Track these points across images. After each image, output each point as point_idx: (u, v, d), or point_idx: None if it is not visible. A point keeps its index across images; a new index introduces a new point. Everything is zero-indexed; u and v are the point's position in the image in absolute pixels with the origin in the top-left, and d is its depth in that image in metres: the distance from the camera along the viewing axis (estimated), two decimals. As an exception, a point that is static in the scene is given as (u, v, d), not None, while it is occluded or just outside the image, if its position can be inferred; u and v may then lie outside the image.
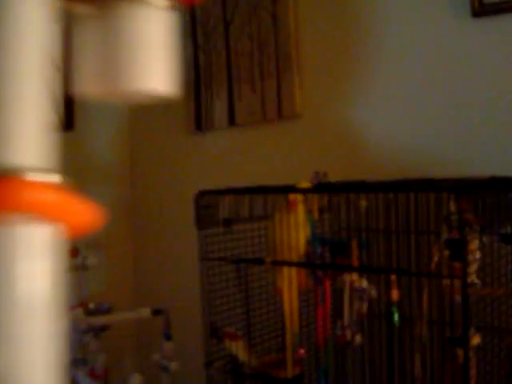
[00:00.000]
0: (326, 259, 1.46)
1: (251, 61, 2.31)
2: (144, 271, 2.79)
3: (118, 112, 2.91)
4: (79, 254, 2.05)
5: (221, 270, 1.55)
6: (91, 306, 2.44)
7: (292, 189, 1.44)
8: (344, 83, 2.03)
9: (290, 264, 1.44)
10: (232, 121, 2.38)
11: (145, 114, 2.87)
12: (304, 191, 1.45)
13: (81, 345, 2.04)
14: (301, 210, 1.45)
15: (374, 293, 1.51)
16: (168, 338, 2.18)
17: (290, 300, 1.48)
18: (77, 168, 2.79)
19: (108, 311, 2.42)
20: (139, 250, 2.84)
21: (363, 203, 1.55)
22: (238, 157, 2.39)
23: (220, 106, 2.43)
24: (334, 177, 1.72)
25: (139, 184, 2.86)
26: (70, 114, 2.73)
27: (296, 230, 1.43)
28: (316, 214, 1.47)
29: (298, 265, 1.46)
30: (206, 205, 1.54)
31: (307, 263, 1.47)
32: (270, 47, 2.23)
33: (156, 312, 2.18)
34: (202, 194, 1.50)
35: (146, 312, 2.17)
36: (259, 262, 1.48)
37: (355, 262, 1.56)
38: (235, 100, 2.37)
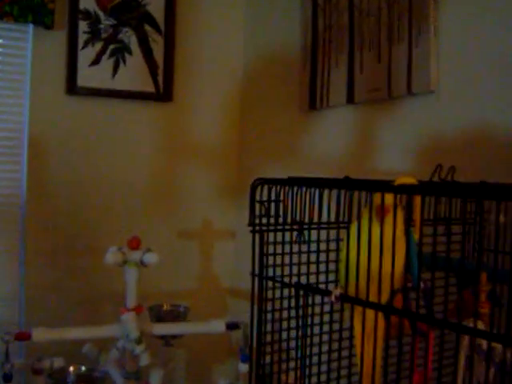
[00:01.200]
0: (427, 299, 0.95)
1: (378, 22, 1.81)
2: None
3: (228, 84, 2.55)
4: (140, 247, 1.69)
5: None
6: (166, 307, 2.10)
7: (386, 186, 0.94)
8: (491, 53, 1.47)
9: (371, 306, 0.95)
10: (351, 98, 1.90)
11: (257, 86, 2.47)
12: (408, 190, 0.94)
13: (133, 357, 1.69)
14: (399, 218, 0.96)
15: (510, 355, 0.99)
16: (245, 359, 1.77)
17: (368, 352, 1.00)
18: (180, 144, 2.47)
19: (183, 315, 2.06)
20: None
21: (502, 219, 1.03)
22: (354, 142, 1.91)
23: (338, 78, 1.96)
24: (463, 175, 1.21)
25: (246, 166, 2.47)
26: (169, 83, 2.41)
27: (388, 247, 0.94)
28: (418, 227, 0.97)
29: (386, 310, 0.96)
30: (269, 200, 1.10)
31: (403, 310, 0.96)
32: (402, 5, 1.72)
33: (231, 326, 1.77)
34: (259, 184, 1.06)
35: (219, 325, 1.77)
36: (323, 292, 1.01)
37: (484, 305, 1.05)
38: (356, 72, 1.89)
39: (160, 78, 2.40)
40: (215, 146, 2.51)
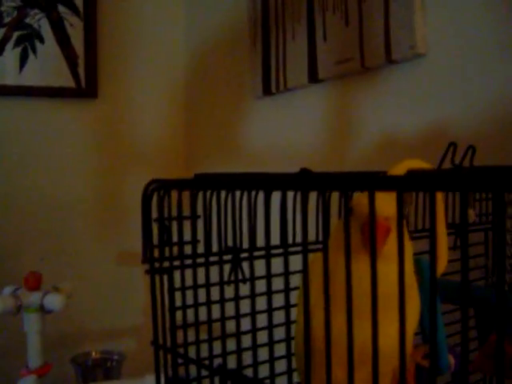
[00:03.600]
0: None
1: (343, -29, 1.39)
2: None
3: (168, 74, 2.10)
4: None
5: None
6: (95, 355, 1.64)
7: (380, 180, 0.46)
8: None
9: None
10: (314, 75, 1.47)
11: (203, 73, 2.03)
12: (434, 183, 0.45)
13: None
14: (408, 246, 0.51)
15: None
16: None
17: None
18: (112, 147, 2.02)
19: (117, 367, 1.60)
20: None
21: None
22: (323, 129, 1.48)
23: (296, 53, 1.53)
24: (485, 157, 0.79)
25: (195, 167, 2.02)
26: (92, 77, 1.96)
27: (387, 303, 0.46)
28: (444, 250, 0.53)
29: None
30: (178, 217, 0.65)
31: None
32: None
33: None
34: (156, 188, 0.61)
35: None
36: None
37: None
38: (318, 41, 1.46)
39: (81, 70, 1.94)
40: (157, 146, 2.06)
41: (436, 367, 0.54)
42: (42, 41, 1.89)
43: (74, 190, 1.94)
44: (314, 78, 1.47)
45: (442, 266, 0.53)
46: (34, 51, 1.88)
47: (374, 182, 0.39)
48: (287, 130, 1.60)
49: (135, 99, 2.03)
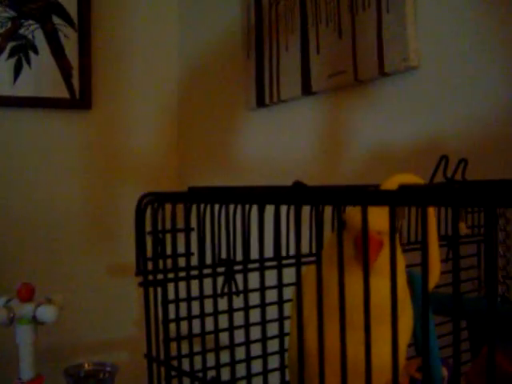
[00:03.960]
0: None
1: (336, -15, 1.40)
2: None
3: (161, 86, 2.11)
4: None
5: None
6: (87, 366, 1.63)
7: (372, 194, 0.46)
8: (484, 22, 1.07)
9: None
10: (307, 87, 1.48)
11: (196, 85, 2.04)
12: (426, 197, 0.46)
13: None
14: (400, 260, 0.51)
15: None
16: None
17: None
18: (105, 160, 2.02)
19: (110, 379, 1.59)
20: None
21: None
22: (316, 142, 1.49)
23: (289, 65, 1.54)
24: (472, 172, 0.80)
25: (187, 180, 2.02)
26: (86, 88, 1.96)
27: (380, 317, 0.47)
28: (435, 263, 0.53)
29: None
30: (171, 230, 0.66)
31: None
32: (367, -42, 1.31)
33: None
34: (150, 202, 0.61)
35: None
36: None
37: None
38: (311, 53, 1.47)
39: (75, 82, 1.95)
40: (149, 158, 2.06)
41: (430, 380, 0.54)
42: (36, 52, 1.90)
43: (67, 202, 1.93)
44: (307, 90, 1.48)
45: (434, 279, 0.53)
46: (28, 62, 1.88)
47: (367, 196, 0.40)
48: (280, 141, 1.61)
49: (129, 111, 2.04)
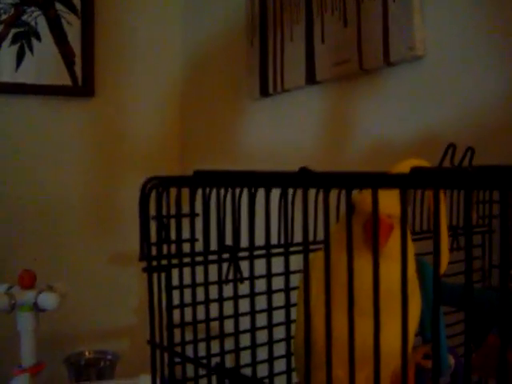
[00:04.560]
0: None
1: (342, -27, 1.38)
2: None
3: (165, 74, 2.10)
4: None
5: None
6: (88, 354, 1.62)
7: (383, 178, 0.44)
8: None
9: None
10: (311, 76, 1.47)
11: (199, 73, 2.03)
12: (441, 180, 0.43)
13: None
14: (411, 245, 0.50)
15: None
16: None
17: None
18: (108, 147, 2.01)
19: (110, 367, 1.59)
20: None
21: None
22: (321, 131, 1.48)
23: (294, 54, 1.53)
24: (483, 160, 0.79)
25: (190, 169, 2.01)
26: (89, 75, 1.95)
27: (390, 301, 0.46)
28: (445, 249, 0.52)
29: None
30: (177, 215, 0.65)
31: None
32: None
33: None
34: (155, 186, 0.61)
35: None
36: None
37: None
38: (316, 42, 1.46)
39: (78, 69, 1.94)
40: (152, 146, 2.05)
41: (438, 368, 0.53)
42: (38, 38, 1.88)
43: (69, 189, 1.93)
44: (311, 79, 1.47)
45: (442, 267, 0.53)
46: (31, 49, 1.87)
47: (378, 179, 0.39)
48: (284, 131, 1.60)
49: (132, 98, 2.03)
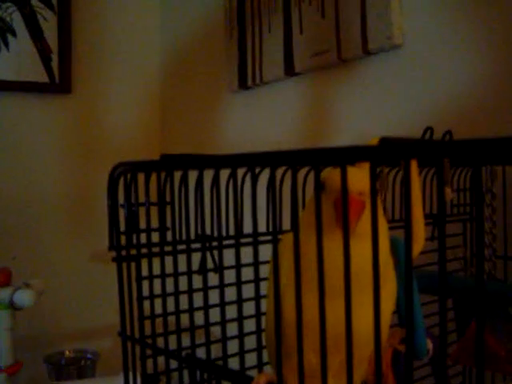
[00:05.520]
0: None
1: (319, -38, 1.37)
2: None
3: (143, 69, 2.07)
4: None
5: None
6: (68, 354, 1.60)
7: (352, 151, 0.41)
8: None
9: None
10: (290, 68, 1.45)
11: (179, 67, 2.00)
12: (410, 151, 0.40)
13: None
14: (383, 223, 0.49)
15: None
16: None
17: None
18: (86, 144, 1.98)
19: (91, 366, 1.56)
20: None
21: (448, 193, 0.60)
22: (300, 124, 1.47)
23: (272, 46, 1.51)
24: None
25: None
26: (66, 71, 1.92)
27: (362, 283, 0.45)
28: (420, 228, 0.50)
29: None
30: (146, 202, 0.63)
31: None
32: None
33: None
34: (123, 171, 0.58)
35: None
36: (237, 380, 0.52)
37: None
38: (294, 34, 1.44)
39: (54, 65, 1.90)
40: (131, 142, 2.02)
41: (413, 352, 0.51)
42: (14, 34, 1.85)
43: (48, 187, 1.90)
44: (290, 70, 1.45)
45: (418, 246, 0.51)
46: (7, 45, 1.84)
47: (346, 153, 0.37)
48: (264, 123, 1.58)
49: (110, 94, 2.00)
